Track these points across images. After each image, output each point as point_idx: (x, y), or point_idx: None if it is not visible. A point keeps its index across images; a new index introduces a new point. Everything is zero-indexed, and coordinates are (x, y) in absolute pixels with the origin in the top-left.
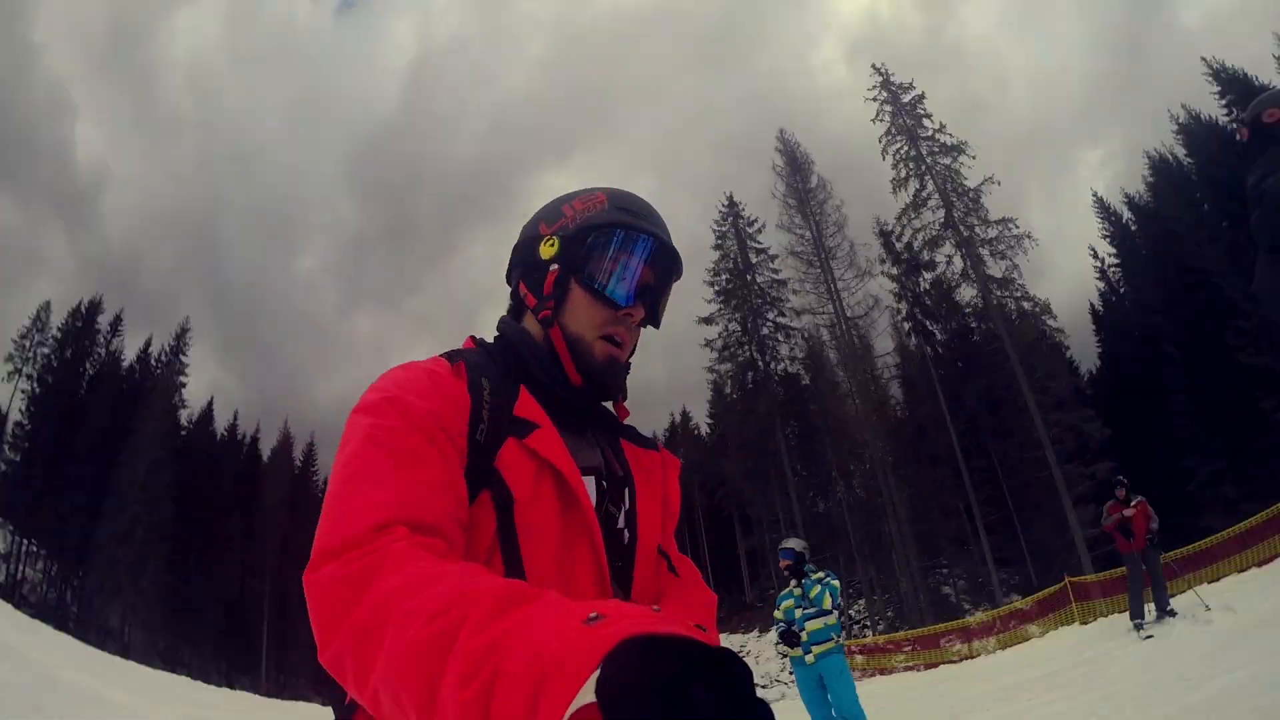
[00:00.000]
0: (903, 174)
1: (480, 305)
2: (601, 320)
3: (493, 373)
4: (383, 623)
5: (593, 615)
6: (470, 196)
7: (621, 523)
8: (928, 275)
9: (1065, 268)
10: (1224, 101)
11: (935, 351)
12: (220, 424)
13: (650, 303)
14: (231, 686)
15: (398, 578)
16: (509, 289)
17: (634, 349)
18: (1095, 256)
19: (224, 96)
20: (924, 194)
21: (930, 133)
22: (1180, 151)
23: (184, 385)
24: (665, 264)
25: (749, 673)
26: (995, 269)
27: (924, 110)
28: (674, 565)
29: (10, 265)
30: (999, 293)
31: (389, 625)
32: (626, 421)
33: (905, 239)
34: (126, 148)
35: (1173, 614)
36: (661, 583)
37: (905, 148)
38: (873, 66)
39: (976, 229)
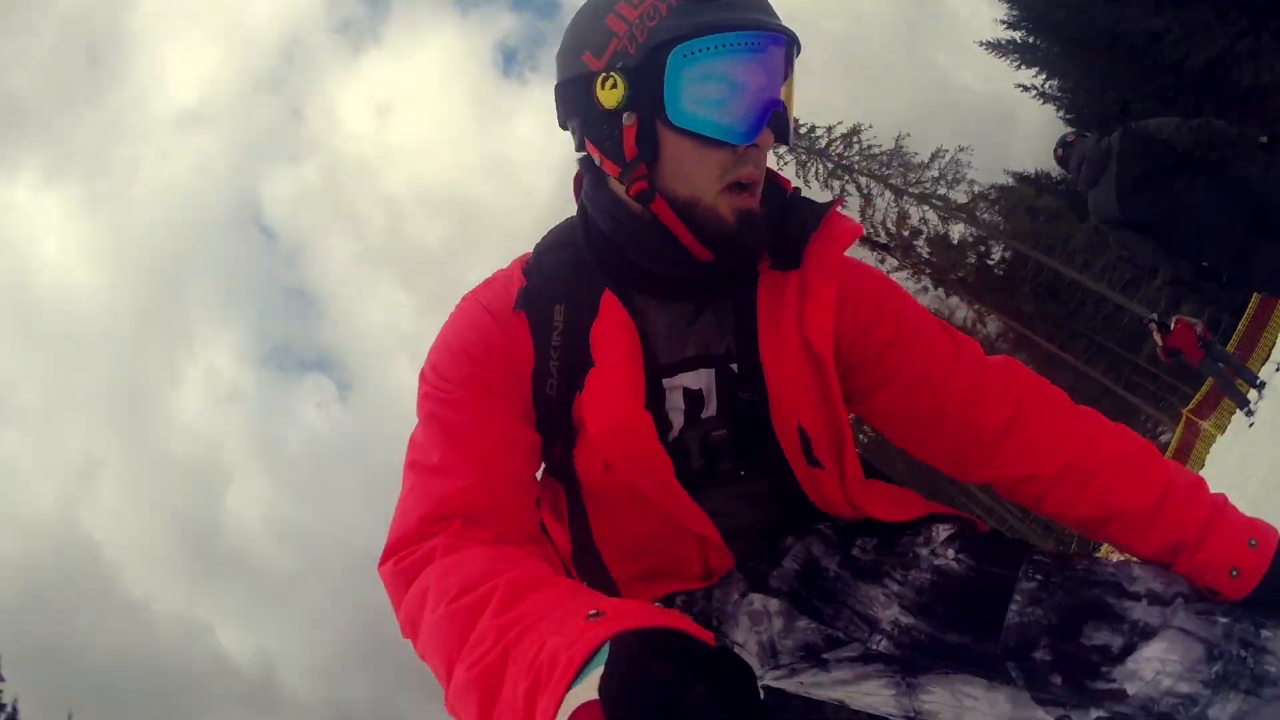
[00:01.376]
0: (836, 189)
1: None
2: (718, 168)
3: (566, 291)
4: (424, 598)
5: (594, 612)
6: None
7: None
8: (920, 242)
9: (1015, 126)
10: None
11: None
12: None
13: (780, 121)
14: None
15: (438, 567)
16: (570, 139)
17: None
18: (1027, 88)
19: (310, 527)
20: (864, 188)
21: (825, 140)
22: None
23: None
24: (780, 64)
25: (750, 672)
26: (960, 195)
27: (805, 124)
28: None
29: None
30: (981, 209)
31: (424, 608)
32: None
33: (879, 236)
34: (268, 624)
35: (1262, 385)
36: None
37: (820, 166)
38: None
39: (920, 179)
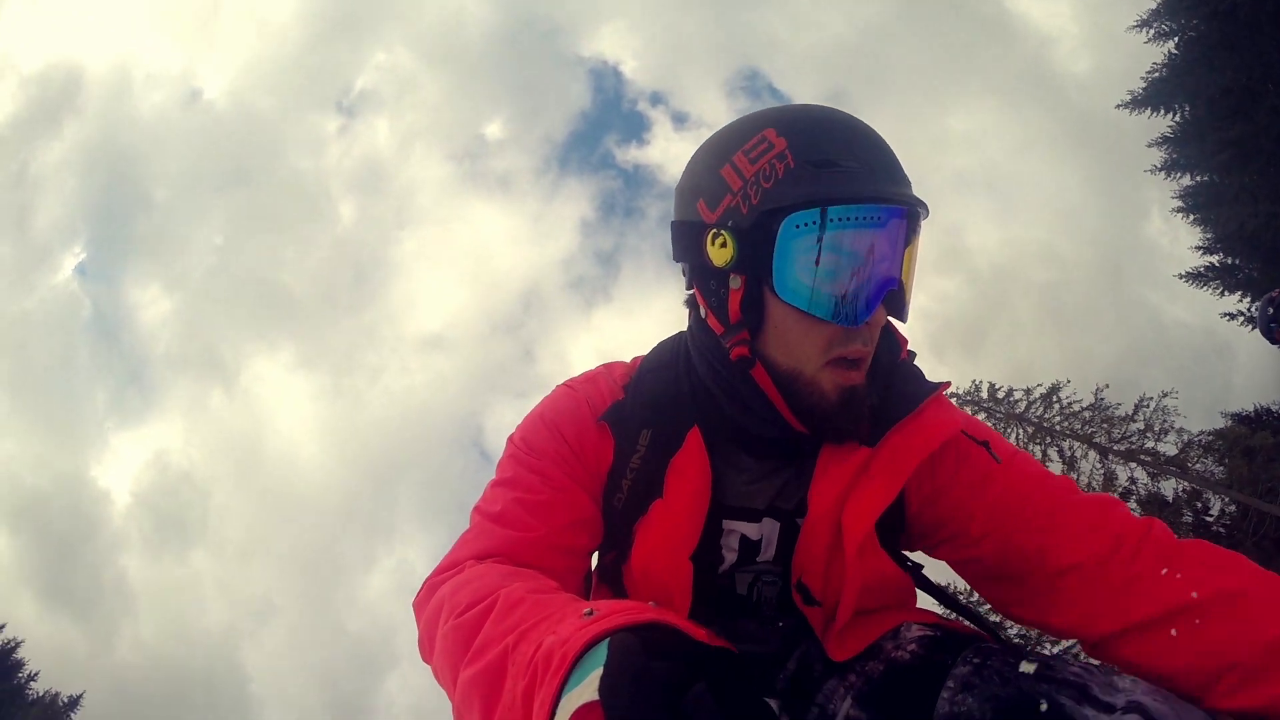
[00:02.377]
0: (1037, 454)
1: None
2: (825, 343)
3: (656, 418)
4: (438, 614)
5: (588, 611)
6: None
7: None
8: (1131, 503)
9: (1232, 361)
10: None
11: None
12: None
13: (896, 299)
14: None
15: (450, 585)
16: (681, 273)
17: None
18: (1233, 316)
19: None
20: (1067, 452)
21: (1024, 403)
22: None
23: None
24: (901, 238)
25: (748, 668)
26: (1168, 446)
27: (1002, 389)
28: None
29: None
30: (1192, 458)
31: (438, 624)
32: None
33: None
34: None
35: None
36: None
37: (1019, 431)
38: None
39: (1124, 433)
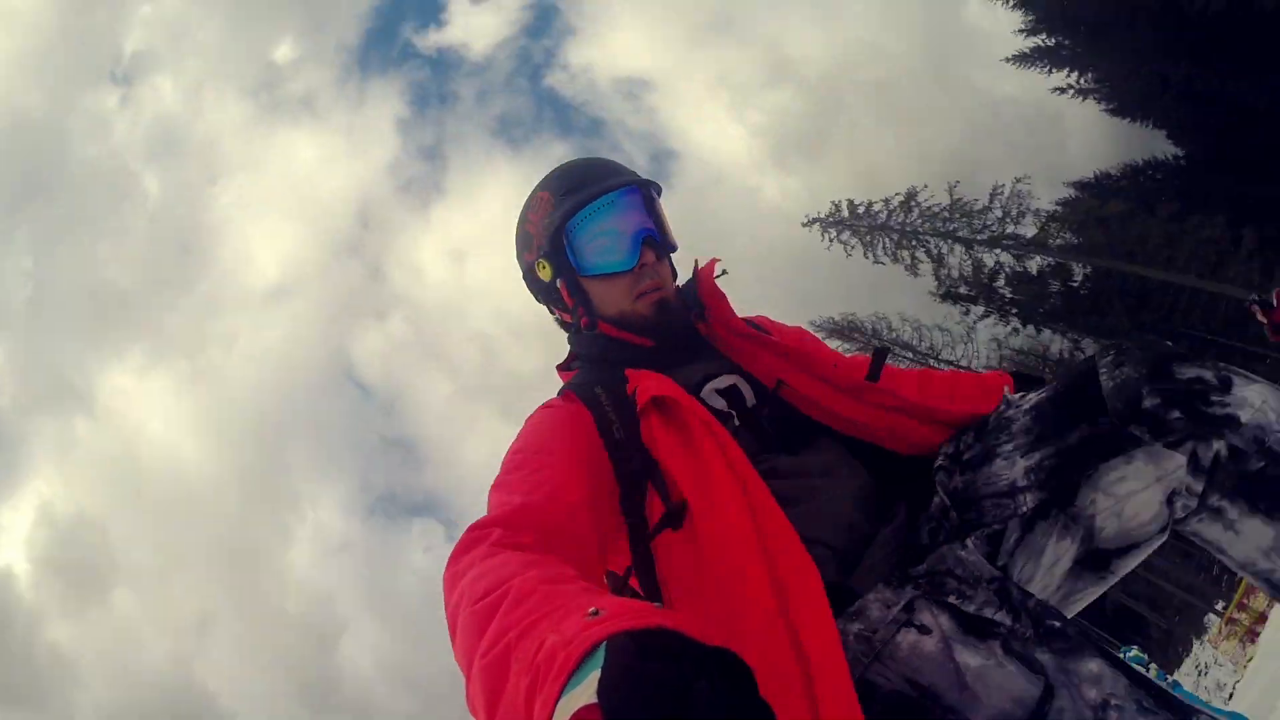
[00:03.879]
0: (906, 259)
1: None
2: (625, 288)
3: (597, 378)
4: (458, 604)
5: (593, 610)
6: None
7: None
8: (1000, 285)
9: (1064, 131)
10: None
11: None
12: None
13: (653, 240)
14: None
15: (474, 572)
16: (553, 319)
17: (675, 273)
18: (1063, 90)
19: (426, 669)
20: (934, 251)
21: (884, 213)
22: None
23: None
24: (634, 205)
25: (750, 672)
26: (1029, 227)
27: (861, 203)
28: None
29: None
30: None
31: (458, 608)
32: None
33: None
34: None
35: None
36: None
37: (885, 241)
38: (803, 224)
39: (985, 223)
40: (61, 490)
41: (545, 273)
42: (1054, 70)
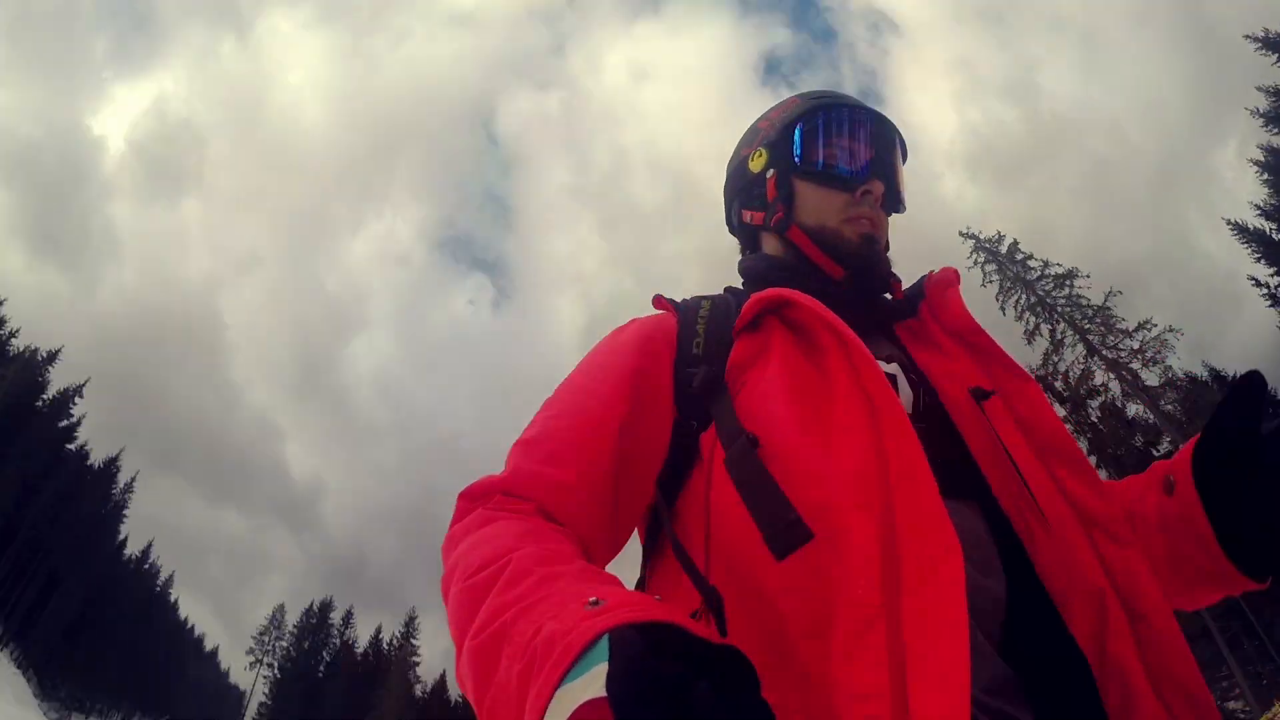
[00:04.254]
0: (1030, 324)
1: None
2: (840, 204)
3: (718, 299)
4: (451, 574)
5: (593, 600)
6: None
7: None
8: (1094, 404)
9: (1238, 316)
10: None
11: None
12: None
13: (886, 176)
14: None
15: (472, 539)
16: (736, 238)
17: (887, 241)
18: (1258, 284)
19: (412, 398)
20: (1059, 334)
21: (1038, 273)
22: None
23: (417, 664)
24: (884, 135)
25: (753, 670)
26: (1152, 376)
27: (1024, 252)
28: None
29: (245, 567)
30: (1168, 398)
31: (452, 578)
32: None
33: (1057, 383)
34: (334, 457)
35: None
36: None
37: (1023, 297)
38: (960, 234)
39: (1118, 344)
40: (183, 92)
41: (757, 162)
42: (1262, 260)
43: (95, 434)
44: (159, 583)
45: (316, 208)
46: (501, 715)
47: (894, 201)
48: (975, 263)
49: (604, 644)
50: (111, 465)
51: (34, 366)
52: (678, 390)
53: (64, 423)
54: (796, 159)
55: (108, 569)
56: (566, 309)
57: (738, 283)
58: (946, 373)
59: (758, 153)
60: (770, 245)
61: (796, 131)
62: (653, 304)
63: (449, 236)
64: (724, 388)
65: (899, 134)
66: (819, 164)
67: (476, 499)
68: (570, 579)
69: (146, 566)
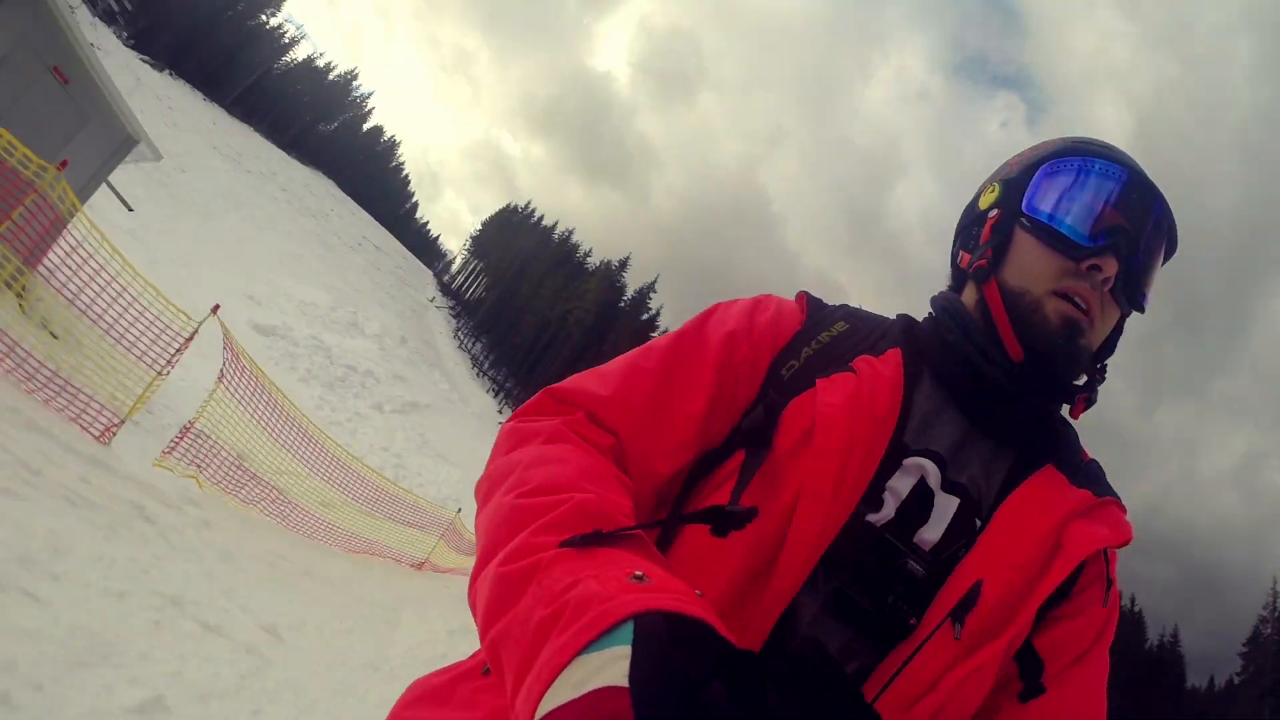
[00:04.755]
0: None
1: None
2: (1055, 270)
3: (866, 326)
4: (505, 476)
5: (638, 573)
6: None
7: (927, 558)
8: None
9: None
10: None
11: None
12: None
13: (1127, 257)
14: None
15: (534, 450)
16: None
17: (1106, 340)
18: None
19: None
20: None
21: None
22: None
23: None
24: (1146, 208)
25: (767, 671)
26: None
27: None
28: (1037, 682)
29: None
30: None
31: (506, 480)
32: (1086, 453)
33: None
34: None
35: None
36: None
37: None
38: None
39: None
40: (657, 5)
41: (988, 198)
42: None
43: (674, 320)
44: None
45: (822, 66)
46: (507, 652)
47: (1133, 293)
48: None
49: (627, 627)
50: None
51: (611, 275)
52: (771, 372)
53: (644, 316)
54: (1024, 203)
55: None
56: (1108, 112)
57: None
58: (995, 550)
59: (992, 188)
60: (968, 296)
61: (1038, 172)
62: (795, 299)
63: (961, 60)
64: (769, 441)
65: (1170, 217)
66: (1047, 216)
67: (563, 403)
68: (620, 541)
69: None
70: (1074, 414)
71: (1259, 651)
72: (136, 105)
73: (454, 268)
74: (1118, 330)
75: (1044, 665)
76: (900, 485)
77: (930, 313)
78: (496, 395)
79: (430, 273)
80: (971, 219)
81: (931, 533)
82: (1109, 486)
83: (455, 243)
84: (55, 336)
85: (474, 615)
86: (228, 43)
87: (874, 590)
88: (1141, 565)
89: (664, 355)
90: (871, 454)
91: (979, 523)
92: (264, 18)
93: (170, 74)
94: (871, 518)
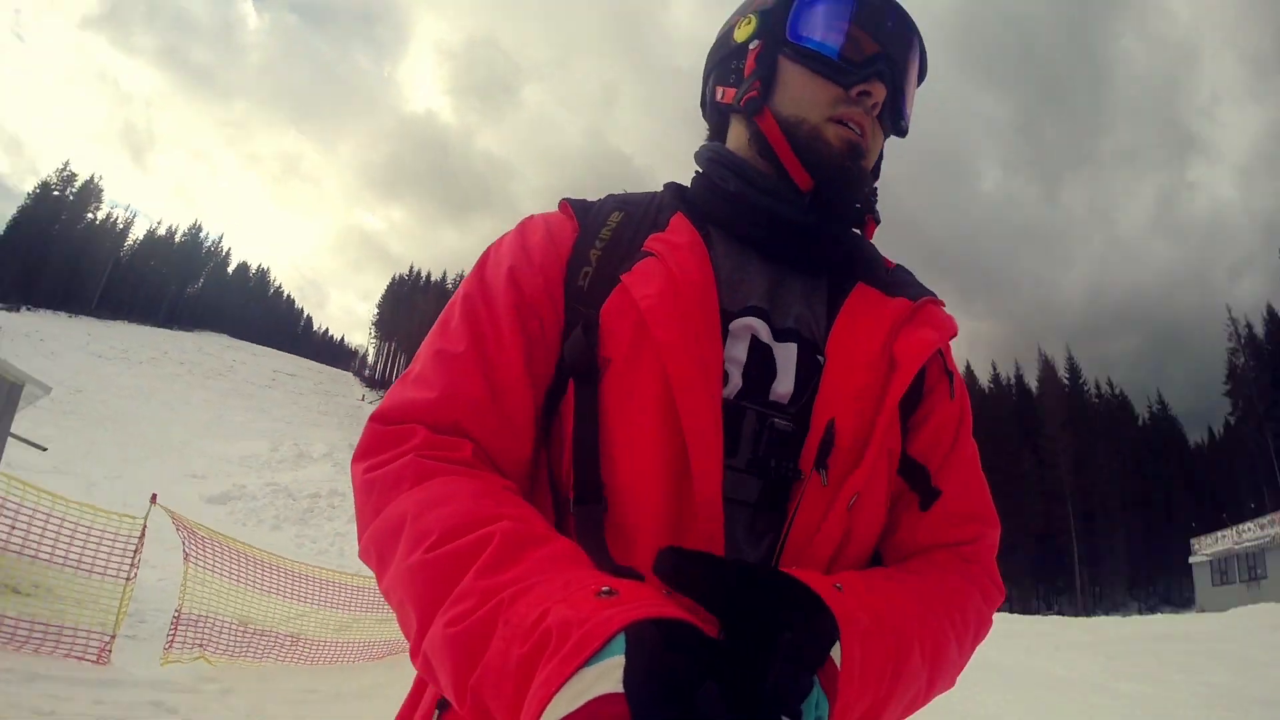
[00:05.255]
0: None
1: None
2: (829, 97)
3: (627, 205)
4: (396, 534)
5: (605, 589)
6: None
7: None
8: None
9: None
10: None
11: None
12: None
13: (890, 83)
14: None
15: (414, 493)
16: (706, 123)
17: (878, 163)
18: None
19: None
20: None
21: None
22: None
23: None
24: (902, 34)
25: (755, 669)
26: None
27: None
28: (929, 488)
29: None
30: None
31: (400, 539)
32: (891, 261)
33: None
34: None
35: None
36: (900, 515)
37: None
38: None
39: None
40: (446, 24)
41: (744, 30)
42: None
43: None
44: None
45: (618, 4)
46: (491, 697)
47: (895, 117)
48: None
49: (620, 637)
50: None
51: None
52: (568, 309)
53: None
54: (789, 32)
55: None
56: None
57: None
58: (840, 383)
59: (747, 20)
60: (735, 135)
61: (797, 2)
62: (559, 208)
63: None
64: (595, 370)
65: (922, 44)
66: (814, 43)
67: (393, 424)
68: (565, 561)
69: None
70: (868, 234)
71: (1241, 384)
72: (6, 352)
73: (369, 359)
74: (881, 155)
75: (928, 470)
76: (737, 352)
77: (698, 170)
78: None
79: (350, 373)
80: (728, 52)
81: (783, 385)
82: (922, 286)
83: (361, 335)
84: (22, 593)
85: (436, 676)
86: (67, 254)
87: (756, 462)
88: (1108, 346)
89: (464, 328)
90: (711, 328)
91: (821, 358)
92: (90, 215)
93: (26, 309)
94: (724, 393)
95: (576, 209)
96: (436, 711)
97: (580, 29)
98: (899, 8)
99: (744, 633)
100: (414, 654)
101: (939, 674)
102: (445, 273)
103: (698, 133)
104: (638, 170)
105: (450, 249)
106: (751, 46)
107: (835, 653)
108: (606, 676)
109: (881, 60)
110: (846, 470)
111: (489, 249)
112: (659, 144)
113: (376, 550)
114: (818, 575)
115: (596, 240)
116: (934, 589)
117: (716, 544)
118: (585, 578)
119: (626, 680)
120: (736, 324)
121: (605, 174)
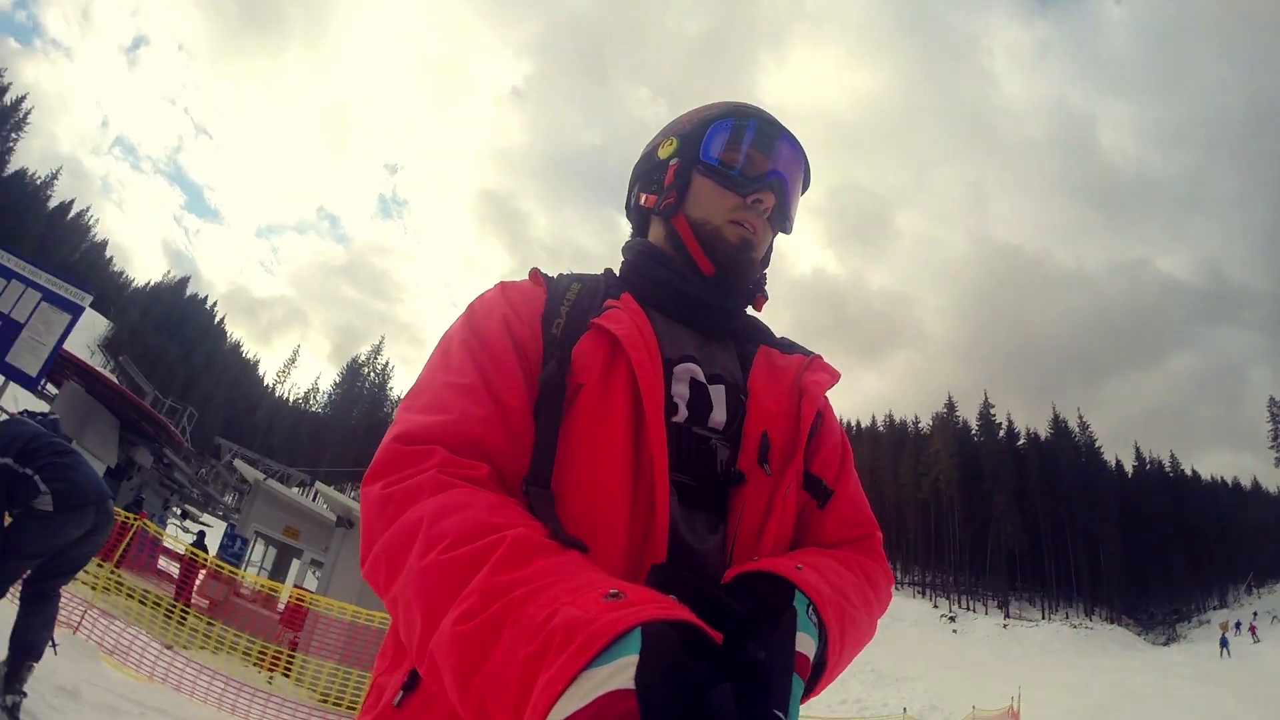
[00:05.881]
0: None
1: None
2: (729, 205)
3: (590, 282)
4: (410, 539)
5: (613, 592)
6: None
7: (718, 438)
8: None
9: None
10: None
11: None
12: None
13: (779, 194)
14: None
15: (431, 502)
16: (630, 221)
17: (768, 254)
18: None
19: None
20: None
21: None
22: None
23: None
24: (790, 155)
25: (764, 671)
26: None
27: None
28: (826, 492)
29: None
30: None
31: (414, 543)
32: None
33: None
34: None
35: None
36: (807, 518)
37: None
38: None
39: None
40: (811, 192)
41: (666, 150)
42: None
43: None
44: None
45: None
46: (496, 697)
47: (782, 219)
48: None
49: (633, 636)
50: None
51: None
52: (545, 355)
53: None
54: (702, 153)
55: None
56: None
57: None
58: (764, 409)
59: (669, 141)
60: (655, 232)
61: (710, 129)
62: (530, 276)
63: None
64: (562, 392)
65: (806, 161)
66: (720, 163)
67: (415, 444)
68: (575, 567)
69: None
70: (757, 308)
71: None
72: None
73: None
74: (770, 248)
75: (824, 481)
76: (681, 389)
77: (626, 259)
78: None
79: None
80: (651, 166)
81: (719, 415)
82: (806, 349)
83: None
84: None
85: (443, 675)
86: None
87: (701, 475)
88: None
89: (469, 363)
90: (657, 366)
91: (743, 397)
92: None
93: None
94: (675, 419)
95: (545, 278)
96: (401, 693)
97: (926, 142)
98: (788, 134)
99: (742, 634)
100: (419, 657)
101: (870, 623)
102: (874, 416)
103: (1072, 201)
104: (1033, 256)
105: (872, 393)
106: (671, 163)
107: (814, 624)
108: (618, 674)
109: (772, 175)
110: (784, 463)
111: (474, 303)
112: (1042, 221)
113: (388, 557)
114: (781, 560)
115: (564, 301)
116: (852, 561)
117: (665, 532)
118: (594, 581)
119: (639, 678)
120: (679, 368)
121: (998, 270)
